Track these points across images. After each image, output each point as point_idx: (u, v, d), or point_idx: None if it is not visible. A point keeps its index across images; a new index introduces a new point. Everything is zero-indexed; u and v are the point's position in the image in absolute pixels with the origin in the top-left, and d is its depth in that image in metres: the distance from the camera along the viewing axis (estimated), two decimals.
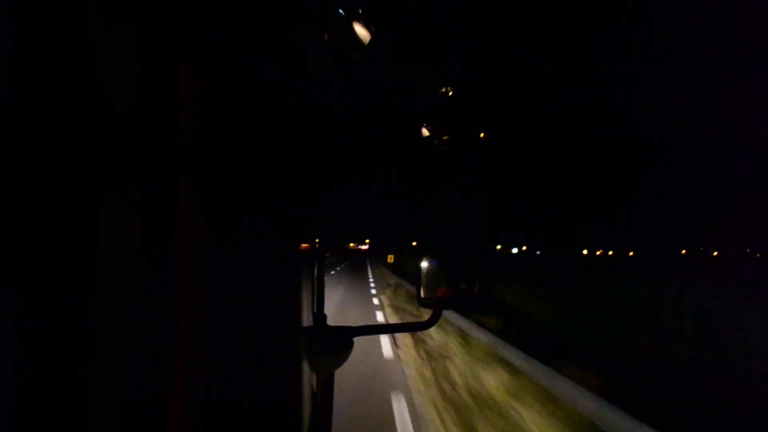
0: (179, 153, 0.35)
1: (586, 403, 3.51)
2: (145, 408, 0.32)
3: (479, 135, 0.83)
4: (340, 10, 0.71)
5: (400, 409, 3.85)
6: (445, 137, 0.81)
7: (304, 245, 0.65)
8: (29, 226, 0.27)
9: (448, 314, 7.18)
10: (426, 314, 0.77)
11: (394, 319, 8.56)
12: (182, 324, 0.35)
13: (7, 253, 0.26)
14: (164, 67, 0.34)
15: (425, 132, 0.81)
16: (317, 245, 0.79)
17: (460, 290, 0.82)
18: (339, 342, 0.71)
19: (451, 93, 0.81)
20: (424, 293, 0.81)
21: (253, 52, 0.48)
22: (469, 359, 5.40)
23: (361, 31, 0.74)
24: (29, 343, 0.27)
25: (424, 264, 0.83)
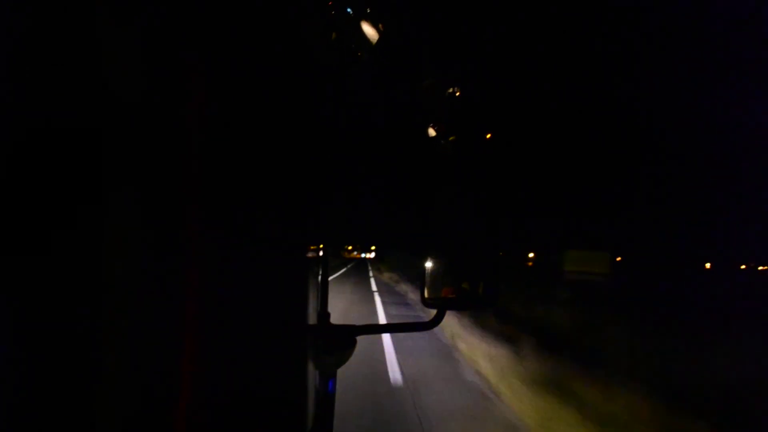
0: (186, 152, 0.35)
1: None
2: (152, 406, 0.32)
3: (486, 136, 0.83)
4: (348, 9, 0.72)
5: None
6: (451, 137, 0.81)
7: (312, 248, 0.65)
8: (34, 226, 0.27)
9: None
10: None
11: None
12: (188, 321, 0.35)
13: (11, 254, 0.26)
14: (171, 66, 0.34)
15: (431, 132, 0.81)
16: (323, 246, 0.79)
17: (464, 290, 0.82)
18: (342, 340, 0.71)
19: (457, 93, 0.81)
20: (428, 293, 0.81)
21: (260, 50, 0.48)
22: None
23: (368, 30, 0.74)
24: (33, 345, 0.27)
25: (429, 264, 0.83)
